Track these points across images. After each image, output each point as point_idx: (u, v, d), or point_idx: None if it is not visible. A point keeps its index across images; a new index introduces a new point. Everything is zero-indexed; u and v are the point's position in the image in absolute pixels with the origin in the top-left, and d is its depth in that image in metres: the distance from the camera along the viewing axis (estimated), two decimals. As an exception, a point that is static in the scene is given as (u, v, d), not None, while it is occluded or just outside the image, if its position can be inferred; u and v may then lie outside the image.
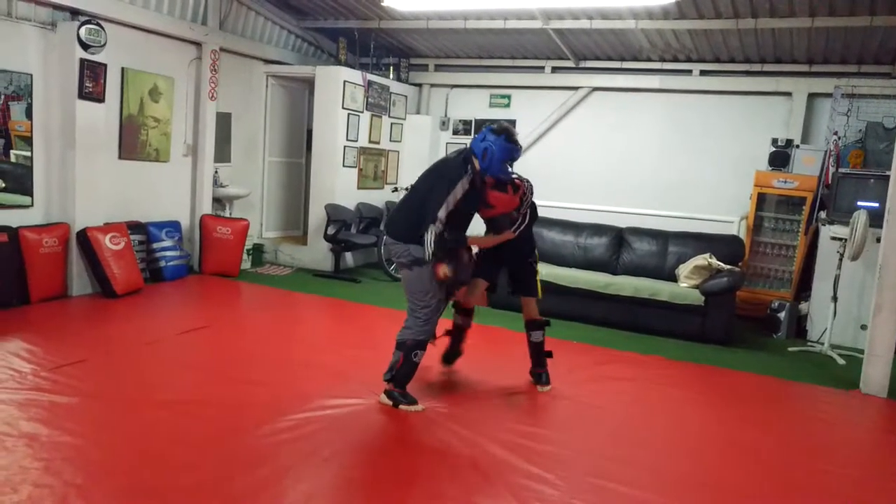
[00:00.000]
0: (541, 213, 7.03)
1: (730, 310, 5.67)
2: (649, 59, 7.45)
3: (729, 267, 5.81)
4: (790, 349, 5.57)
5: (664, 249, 6.39)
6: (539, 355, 4.17)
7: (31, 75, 5.20)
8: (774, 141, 6.59)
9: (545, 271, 6.15)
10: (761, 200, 6.59)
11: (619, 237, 6.62)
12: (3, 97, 5.03)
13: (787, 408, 4.32)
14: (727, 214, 6.84)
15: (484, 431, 3.35)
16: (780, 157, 6.51)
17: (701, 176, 7.34)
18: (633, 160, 7.67)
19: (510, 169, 3.77)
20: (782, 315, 6.01)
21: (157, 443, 2.99)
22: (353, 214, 7.57)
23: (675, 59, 7.31)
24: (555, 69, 8.02)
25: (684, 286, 5.83)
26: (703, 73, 7.24)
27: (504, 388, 4.08)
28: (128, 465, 2.76)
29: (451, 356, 4.30)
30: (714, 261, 5.82)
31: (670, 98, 7.46)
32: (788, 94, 6.86)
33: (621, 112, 7.73)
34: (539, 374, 4.17)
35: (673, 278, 6.10)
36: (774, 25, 5.93)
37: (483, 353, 4.60)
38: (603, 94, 7.82)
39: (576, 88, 7.89)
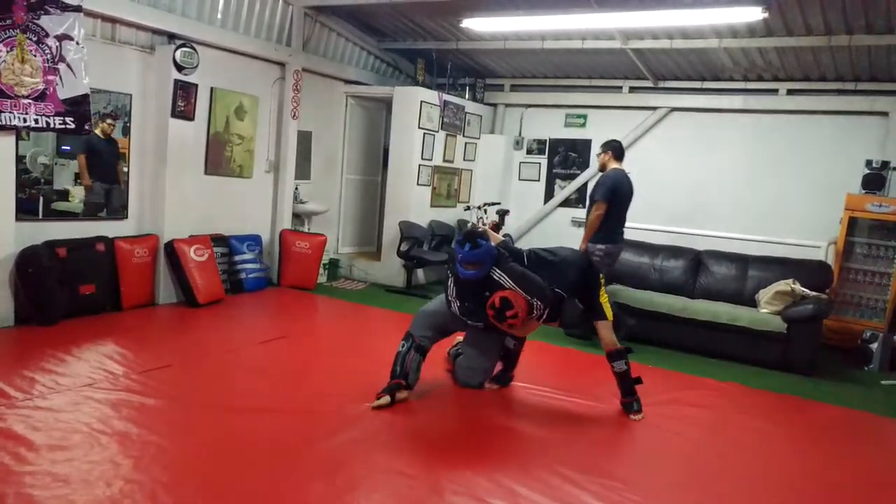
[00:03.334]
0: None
1: (815, 338, 5.39)
2: (732, 79, 7.25)
3: (815, 294, 5.55)
4: (883, 382, 5.25)
5: (744, 274, 6.17)
6: (625, 384, 3.97)
7: (131, 95, 5.52)
8: (869, 163, 6.26)
9: (618, 292, 6.06)
10: (852, 225, 6.27)
11: (697, 260, 6.43)
12: (102, 116, 5.35)
13: (878, 445, 4.06)
14: (813, 239, 6.54)
15: (557, 451, 3.31)
16: (875, 180, 6.19)
17: (785, 199, 7.05)
18: (712, 182, 7.46)
19: (493, 274, 3.63)
20: (875, 346, 5.68)
21: (236, 447, 3.08)
22: (426, 232, 7.65)
23: (760, 79, 7.08)
24: (632, 89, 7.91)
25: (765, 312, 5.60)
26: (790, 92, 6.98)
27: (579, 410, 4.01)
28: (209, 467, 2.86)
29: (499, 378, 4.29)
30: (798, 287, 5.57)
31: (754, 118, 7.22)
32: (885, 113, 6.51)
33: (701, 132, 7.54)
34: (629, 403, 3.97)
35: (753, 304, 5.86)
36: (870, 42, 5.67)
37: (563, 374, 4.54)
38: (682, 114, 7.65)
39: (654, 108, 7.75)
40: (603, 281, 4.05)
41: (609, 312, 3.97)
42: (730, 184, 7.36)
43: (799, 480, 3.35)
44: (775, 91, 7.06)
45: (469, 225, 7.57)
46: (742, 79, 7.19)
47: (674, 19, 5.82)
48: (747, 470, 3.39)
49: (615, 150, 5.55)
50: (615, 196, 5.33)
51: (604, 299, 3.97)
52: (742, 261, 6.24)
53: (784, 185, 7.07)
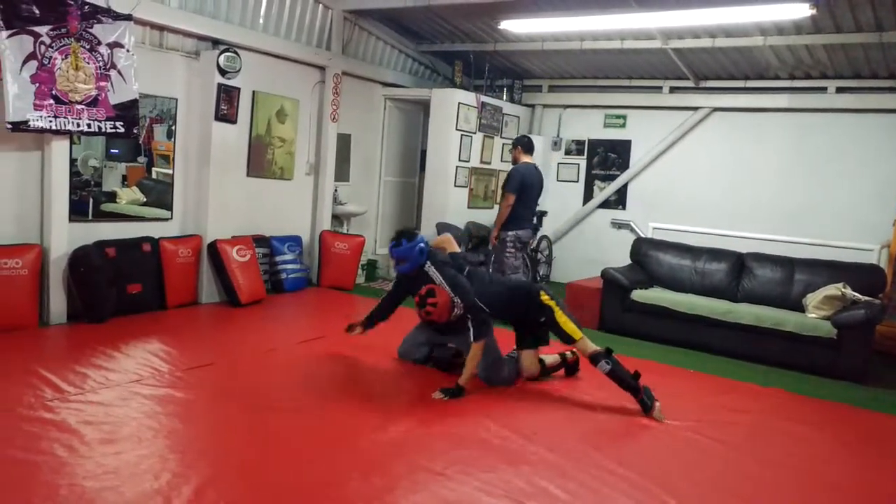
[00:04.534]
0: (657, 235, 6.93)
1: (867, 344, 5.21)
2: (777, 77, 7.09)
3: (867, 298, 5.38)
4: (938, 391, 5.06)
5: (790, 277, 6.00)
6: (623, 382, 3.92)
7: (177, 100, 5.66)
8: (923, 163, 6.07)
9: (659, 295, 6.00)
10: (906, 227, 6.07)
11: (740, 263, 6.29)
12: (148, 120, 5.49)
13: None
14: (865, 242, 6.33)
15: (595, 454, 3.28)
16: (928, 181, 5.99)
17: (834, 200, 6.87)
18: (756, 183, 7.31)
19: (428, 270, 4.14)
20: (930, 353, 5.48)
21: (277, 444, 3.13)
22: (463, 233, 7.65)
23: (808, 77, 6.91)
24: (673, 89, 7.81)
25: (813, 317, 5.45)
26: (839, 90, 6.79)
27: (617, 414, 3.96)
28: (250, 464, 2.92)
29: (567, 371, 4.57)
30: (849, 291, 5.40)
31: (800, 118, 7.05)
32: (939, 111, 6.31)
33: (744, 132, 7.40)
34: (641, 401, 3.90)
35: (799, 308, 5.71)
36: (923, 38, 5.50)
37: (602, 378, 4.49)
38: (724, 114, 7.52)
39: (695, 109, 7.64)
40: (554, 304, 4.06)
41: (576, 332, 4.00)
42: (774, 185, 7.21)
43: (846, 492, 3.24)
44: (823, 89, 6.88)
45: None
46: (788, 77, 7.03)
47: (717, 18, 5.73)
48: (792, 479, 3.30)
49: (524, 144, 6.10)
50: (523, 187, 5.89)
51: (562, 320, 4.02)
52: (788, 264, 6.08)
53: (832, 186, 6.89)
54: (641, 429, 3.80)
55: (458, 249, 4.34)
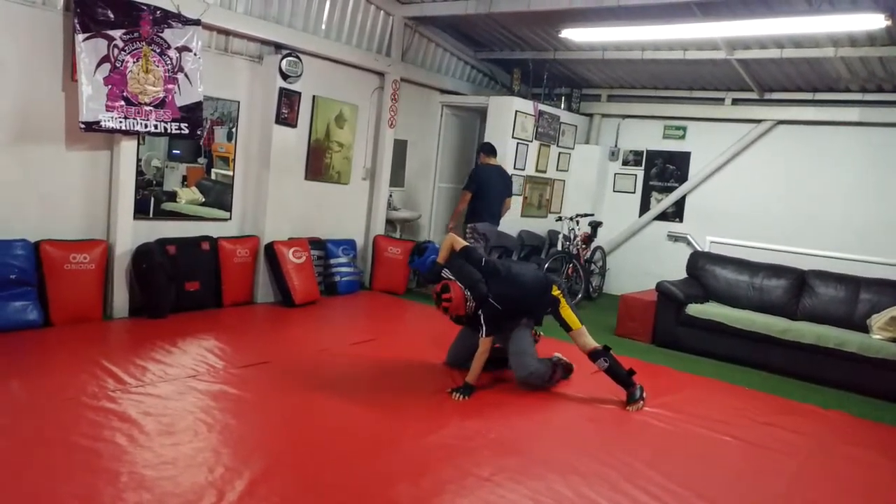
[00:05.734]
0: (715, 249, 6.75)
1: (937, 371, 4.97)
2: (847, 90, 6.83)
3: (938, 322, 5.12)
4: None
5: (855, 296, 5.76)
6: (619, 378, 4.14)
7: (239, 102, 5.81)
8: None
9: (715, 310, 5.84)
10: (983, 249, 5.76)
11: (801, 280, 6.07)
12: (209, 122, 5.62)
13: None
14: (938, 263, 6.03)
15: (647, 467, 3.21)
16: None
17: (905, 219, 6.56)
18: (820, 199, 7.05)
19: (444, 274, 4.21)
20: None
21: (327, 444, 3.17)
22: (516, 241, 7.62)
23: (880, 90, 6.63)
24: (736, 101, 7.61)
25: (878, 338, 5.22)
26: (914, 105, 6.51)
27: (670, 428, 3.87)
28: (301, 461, 2.97)
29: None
30: (919, 314, 5.16)
31: (872, 132, 6.77)
32: None
33: (810, 147, 7.15)
34: (631, 393, 4.12)
35: (863, 328, 5.47)
36: None
37: (654, 391, 4.40)
38: (789, 127, 7.28)
39: (758, 121, 7.42)
40: (561, 294, 4.23)
41: (575, 322, 4.18)
42: (841, 201, 6.94)
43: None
44: (896, 104, 6.60)
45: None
46: (859, 90, 6.76)
47: (786, 27, 5.55)
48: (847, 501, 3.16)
49: (486, 150, 6.70)
50: (480, 186, 6.43)
51: (566, 312, 4.19)
52: (853, 283, 5.84)
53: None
54: (696, 446, 3.70)
55: (463, 244, 4.35)
